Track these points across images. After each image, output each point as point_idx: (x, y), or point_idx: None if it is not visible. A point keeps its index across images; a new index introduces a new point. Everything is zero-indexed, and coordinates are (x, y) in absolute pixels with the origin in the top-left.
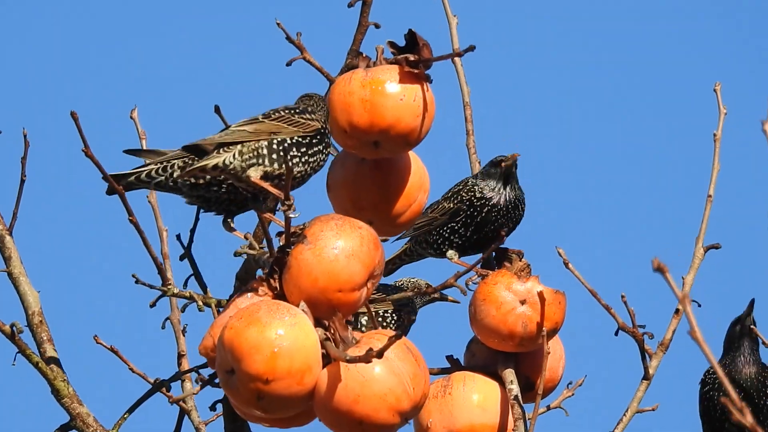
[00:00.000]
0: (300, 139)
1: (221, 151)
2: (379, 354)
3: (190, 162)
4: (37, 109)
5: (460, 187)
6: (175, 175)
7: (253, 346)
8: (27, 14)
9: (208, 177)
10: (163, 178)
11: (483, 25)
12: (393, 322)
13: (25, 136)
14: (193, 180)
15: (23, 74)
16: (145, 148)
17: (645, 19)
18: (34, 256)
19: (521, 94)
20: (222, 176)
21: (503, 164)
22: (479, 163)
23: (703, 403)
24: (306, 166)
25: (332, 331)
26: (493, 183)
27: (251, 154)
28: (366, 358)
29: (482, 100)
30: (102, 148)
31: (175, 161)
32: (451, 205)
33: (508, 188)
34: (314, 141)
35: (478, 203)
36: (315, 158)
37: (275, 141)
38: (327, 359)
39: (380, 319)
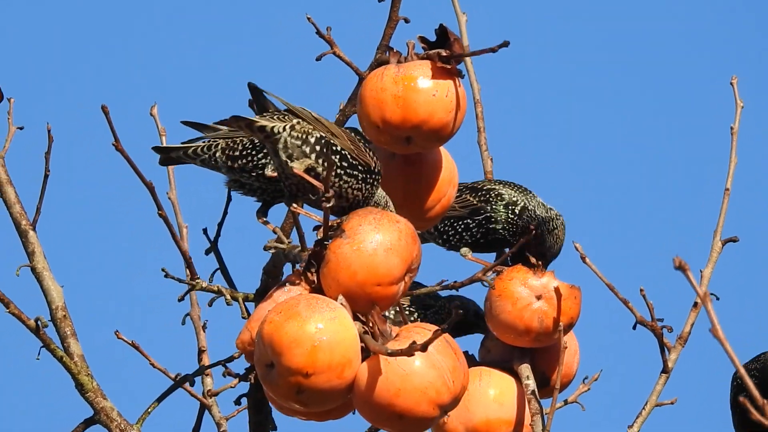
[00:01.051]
0: (348, 155)
1: (275, 118)
2: (424, 347)
3: (231, 144)
4: (61, 104)
5: (489, 187)
6: (219, 144)
7: (293, 340)
8: (47, 10)
9: (240, 162)
10: (207, 156)
11: (492, 22)
12: (417, 317)
13: (48, 131)
14: (229, 163)
15: (46, 69)
16: (206, 123)
17: (662, 12)
18: (57, 252)
19: (534, 89)
20: (263, 142)
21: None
22: (491, 160)
23: (737, 407)
24: (339, 180)
25: (371, 325)
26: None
27: (300, 135)
28: (409, 351)
29: (494, 97)
30: (123, 143)
31: (220, 141)
32: (475, 201)
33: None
34: (359, 167)
35: (496, 219)
36: (349, 181)
37: (325, 138)
38: (365, 353)
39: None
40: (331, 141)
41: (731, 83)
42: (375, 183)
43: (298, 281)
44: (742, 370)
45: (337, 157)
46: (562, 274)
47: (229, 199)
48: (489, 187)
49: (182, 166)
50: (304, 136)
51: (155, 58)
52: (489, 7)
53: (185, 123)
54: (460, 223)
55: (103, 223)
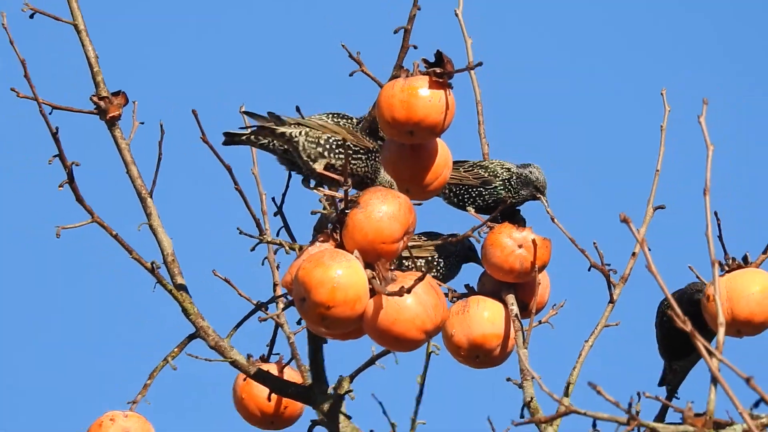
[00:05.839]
0: (351, 145)
1: (293, 127)
2: (408, 290)
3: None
4: (172, 104)
5: (500, 169)
6: (254, 134)
7: (319, 281)
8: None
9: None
10: (266, 142)
11: (492, 45)
12: (441, 267)
13: (161, 126)
14: (284, 147)
15: (161, 76)
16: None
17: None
18: (168, 213)
19: (520, 91)
20: (286, 146)
21: (537, 196)
22: (488, 145)
23: (662, 327)
24: (349, 165)
25: (377, 272)
26: (523, 191)
27: (313, 139)
28: (400, 293)
29: (491, 97)
30: (217, 135)
31: (275, 140)
32: (486, 175)
33: (523, 193)
34: (360, 152)
35: (500, 191)
36: (355, 163)
37: (332, 138)
38: (373, 292)
39: (429, 264)
40: (333, 137)
41: (661, 94)
42: (376, 158)
43: (325, 239)
44: (669, 296)
45: (341, 149)
46: (537, 230)
47: (290, 176)
48: (495, 167)
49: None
50: (316, 140)
51: (241, 68)
52: (489, 32)
53: (245, 113)
54: (473, 190)
55: (202, 192)
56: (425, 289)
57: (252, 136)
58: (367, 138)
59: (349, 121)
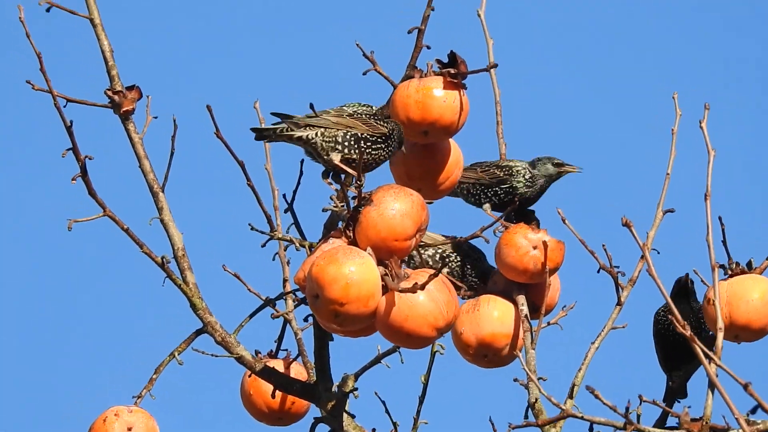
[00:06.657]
0: (368, 136)
1: (308, 128)
2: (422, 287)
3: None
4: (185, 100)
5: (512, 166)
6: (275, 132)
7: (333, 278)
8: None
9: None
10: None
11: (512, 46)
12: (458, 261)
13: (174, 121)
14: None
15: (176, 72)
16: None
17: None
18: (180, 208)
19: (536, 92)
20: (305, 147)
21: (559, 169)
22: (505, 144)
23: (658, 336)
24: (368, 156)
25: (390, 269)
26: (537, 175)
27: (330, 138)
28: (413, 289)
29: (510, 98)
30: (233, 130)
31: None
32: (501, 174)
33: (541, 182)
34: (378, 140)
35: (518, 187)
36: (376, 152)
37: (349, 133)
38: (386, 289)
39: (447, 259)
40: (351, 132)
41: (673, 98)
42: (394, 141)
43: (339, 236)
44: (668, 298)
45: (361, 143)
46: (551, 231)
47: (301, 173)
48: (508, 165)
49: (275, 146)
50: (332, 139)
51: (255, 65)
52: (511, 33)
53: (274, 114)
54: (488, 189)
55: (214, 187)
56: (438, 286)
57: (277, 131)
58: (381, 122)
59: (367, 107)
